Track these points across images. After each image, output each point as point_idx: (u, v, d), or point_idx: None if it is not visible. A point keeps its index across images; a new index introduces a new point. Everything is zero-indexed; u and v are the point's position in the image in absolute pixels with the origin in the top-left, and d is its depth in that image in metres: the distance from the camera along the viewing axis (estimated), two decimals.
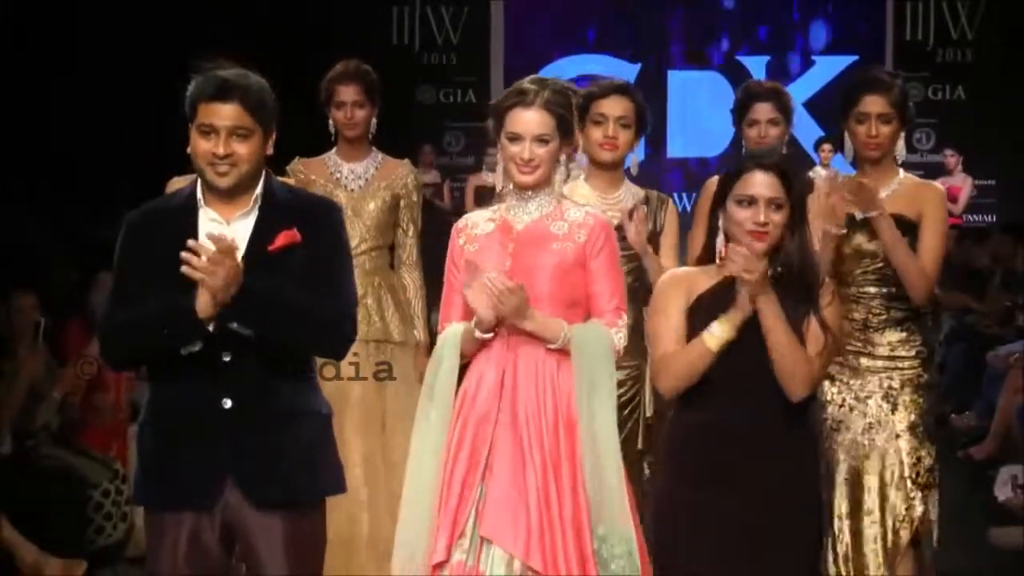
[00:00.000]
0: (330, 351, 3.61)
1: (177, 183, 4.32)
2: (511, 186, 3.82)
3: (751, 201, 3.57)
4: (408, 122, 14.10)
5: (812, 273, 3.64)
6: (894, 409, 4.38)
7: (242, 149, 3.37)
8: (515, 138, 3.75)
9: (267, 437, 3.44)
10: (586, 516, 3.62)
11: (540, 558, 3.58)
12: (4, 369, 6.31)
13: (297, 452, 3.48)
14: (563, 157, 3.80)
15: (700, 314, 3.61)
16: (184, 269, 3.27)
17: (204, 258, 3.26)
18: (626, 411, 4.46)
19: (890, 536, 4.34)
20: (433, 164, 14.16)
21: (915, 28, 14.91)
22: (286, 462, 3.46)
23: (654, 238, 4.59)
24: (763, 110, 4.83)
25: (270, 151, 3.47)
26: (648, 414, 4.57)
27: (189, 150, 3.42)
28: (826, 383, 4.34)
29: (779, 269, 3.61)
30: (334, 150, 5.29)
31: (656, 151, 14.85)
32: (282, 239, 3.40)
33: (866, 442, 4.38)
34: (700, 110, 14.42)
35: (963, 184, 13.73)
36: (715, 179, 4.93)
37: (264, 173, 3.49)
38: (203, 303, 3.30)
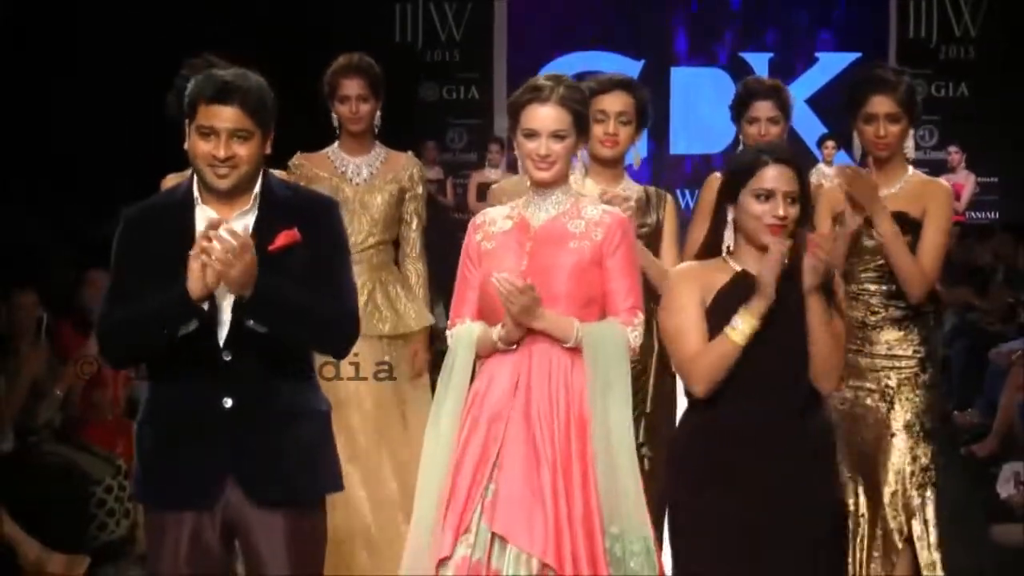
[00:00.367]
0: (333, 349, 3.60)
1: (172, 180, 4.31)
2: (527, 183, 3.82)
3: (769, 195, 3.56)
4: (411, 119, 14.10)
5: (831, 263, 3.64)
6: (891, 408, 4.38)
7: (242, 151, 3.36)
8: (532, 134, 3.74)
9: (268, 436, 3.44)
10: (598, 515, 3.61)
11: (556, 556, 3.56)
12: (6, 366, 6.31)
13: (298, 451, 3.48)
14: (579, 153, 3.80)
15: (720, 311, 3.59)
16: (202, 259, 3.24)
17: (222, 249, 3.23)
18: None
19: (886, 535, 4.33)
20: (436, 160, 14.15)
21: (918, 25, 14.90)
22: (287, 461, 3.46)
23: (654, 234, 4.58)
24: (763, 108, 4.83)
25: (268, 150, 3.46)
26: (648, 410, 4.57)
27: (186, 147, 3.41)
28: None
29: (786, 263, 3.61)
30: (336, 144, 5.25)
31: (659, 147, 14.86)
32: (282, 239, 3.39)
33: (862, 441, 4.37)
34: (703, 107, 14.42)
35: (966, 181, 13.72)
36: (717, 175, 4.94)
37: (262, 171, 3.48)
38: (194, 282, 3.27)
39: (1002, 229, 11.30)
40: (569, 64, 13.42)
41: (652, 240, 4.54)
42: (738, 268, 3.63)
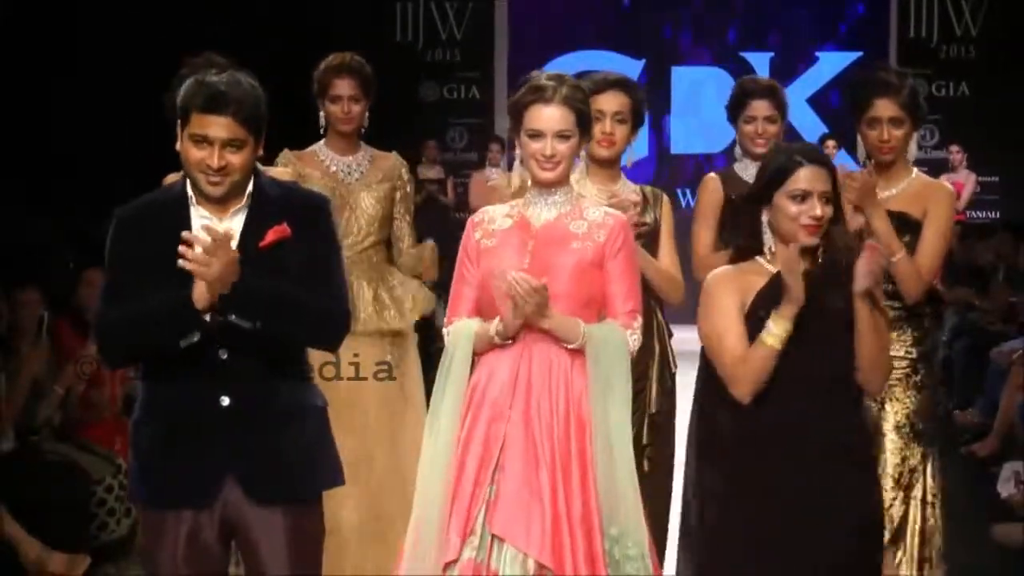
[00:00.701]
0: (326, 343, 3.60)
1: (172, 179, 4.30)
2: (529, 182, 3.81)
3: (805, 196, 3.58)
4: (412, 118, 14.12)
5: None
6: (882, 408, 4.37)
7: (235, 160, 3.36)
8: (536, 135, 3.73)
9: (266, 434, 3.43)
10: (596, 516, 3.60)
11: (553, 556, 3.56)
12: (7, 366, 6.30)
13: (297, 448, 3.48)
14: (582, 153, 3.80)
15: (760, 313, 3.60)
16: (180, 262, 3.26)
17: (199, 249, 3.25)
18: (631, 406, 4.45)
19: None
20: (437, 160, 14.15)
21: (919, 25, 14.90)
22: (287, 458, 3.46)
23: (651, 234, 4.57)
24: (760, 107, 4.83)
25: (260, 152, 3.46)
26: (653, 410, 4.57)
27: (178, 149, 3.41)
28: None
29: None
30: (323, 142, 5.20)
31: (660, 147, 14.87)
32: (272, 235, 3.39)
33: None
34: (704, 106, 14.43)
35: (966, 180, 13.72)
36: (713, 175, 4.96)
37: (254, 170, 3.48)
38: (200, 294, 3.29)
39: (1003, 229, 11.30)
40: (570, 64, 13.41)
41: (650, 240, 4.53)
42: (774, 270, 3.64)
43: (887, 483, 4.32)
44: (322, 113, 5.12)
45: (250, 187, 3.45)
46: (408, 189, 5.30)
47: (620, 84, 4.53)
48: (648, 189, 4.65)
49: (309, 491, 3.53)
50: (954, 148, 13.92)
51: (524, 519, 3.58)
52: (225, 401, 3.41)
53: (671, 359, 4.65)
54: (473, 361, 3.76)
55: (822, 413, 3.57)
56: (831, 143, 12.77)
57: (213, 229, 3.30)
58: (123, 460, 6.16)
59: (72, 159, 10.83)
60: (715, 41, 15.20)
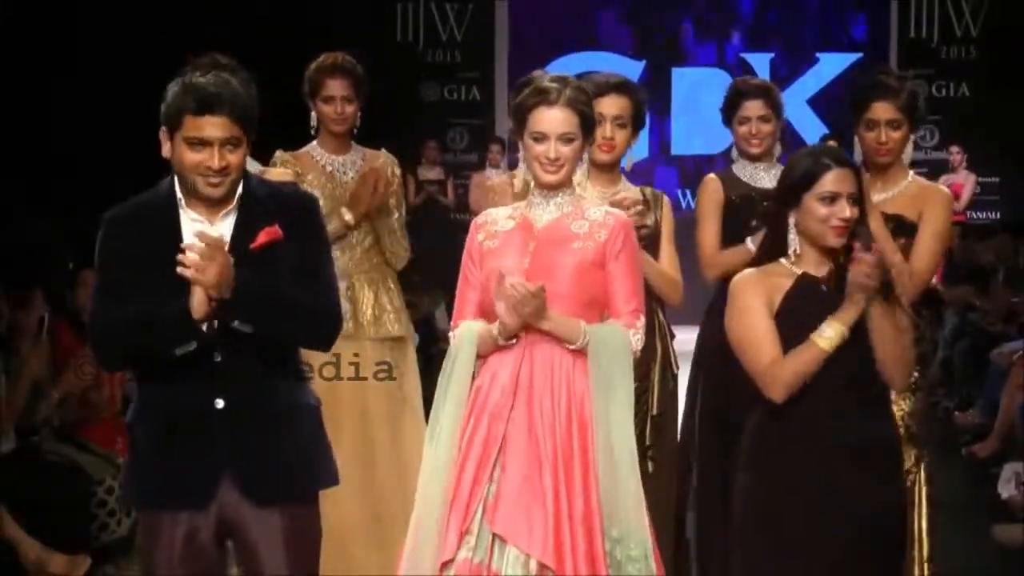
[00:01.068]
0: (321, 342, 3.61)
1: None
2: (532, 184, 3.81)
3: (834, 198, 3.60)
4: (412, 119, 14.12)
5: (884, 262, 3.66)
6: None
7: (234, 159, 3.37)
8: (540, 137, 3.72)
9: (263, 434, 3.44)
10: (598, 517, 3.60)
11: (555, 556, 3.56)
12: (7, 365, 6.30)
13: (294, 448, 3.48)
14: (585, 155, 3.80)
15: (790, 315, 3.61)
16: (179, 270, 3.26)
17: (194, 256, 3.25)
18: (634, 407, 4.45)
19: None
20: (437, 161, 14.16)
21: (919, 25, 14.89)
22: (284, 458, 3.46)
23: (652, 236, 4.56)
24: (753, 107, 4.85)
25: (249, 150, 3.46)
26: (655, 412, 4.57)
27: (166, 155, 3.40)
28: None
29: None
30: (316, 143, 5.19)
31: (660, 148, 14.87)
32: (263, 236, 3.39)
33: None
34: (704, 107, 14.41)
35: (966, 181, 13.73)
36: (713, 176, 4.97)
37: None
38: (198, 302, 3.30)
39: (1003, 229, 11.30)
40: (570, 64, 13.41)
41: (651, 242, 4.53)
42: (798, 271, 3.65)
43: None
44: (313, 113, 5.11)
45: (240, 188, 3.45)
46: (396, 185, 5.29)
47: (621, 87, 4.52)
48: (648, 191, 4.64)
49: (307, 491, 3.53)
50: (954, 149, 13.92)
51: (526, 519, 3.58)
52: (220, 403, 3.41)
53: (673, 360, 4.65)
54: (476, 363, 3.76)
55: (846, 412, 3.59)
56: (831, 144, 12.75)
57: (206, 234, 3.30)
58: (123, 460, 6.16)
59: (72, 159, 10.83)
60: (716, 42, 15.20)
